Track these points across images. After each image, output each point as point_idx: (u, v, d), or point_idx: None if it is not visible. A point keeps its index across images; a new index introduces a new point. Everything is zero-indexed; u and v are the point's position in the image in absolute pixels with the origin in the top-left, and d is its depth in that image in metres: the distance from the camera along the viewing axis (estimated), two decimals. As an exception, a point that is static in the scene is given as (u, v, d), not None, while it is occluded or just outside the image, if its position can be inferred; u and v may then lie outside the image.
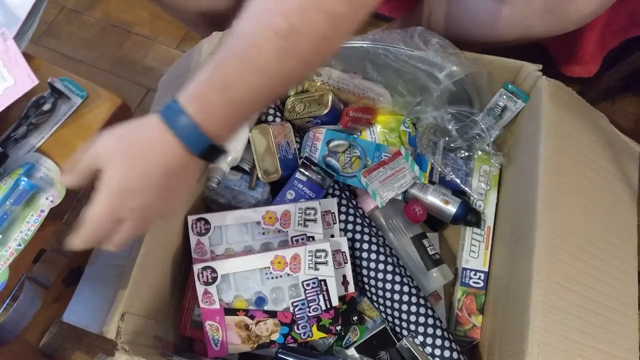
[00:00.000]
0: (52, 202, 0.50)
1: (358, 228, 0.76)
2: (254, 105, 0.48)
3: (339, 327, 0.71)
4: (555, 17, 0.71)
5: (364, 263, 0.75)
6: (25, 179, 0.50)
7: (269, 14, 0.43)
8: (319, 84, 0.81)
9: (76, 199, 1.01)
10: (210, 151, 0.46)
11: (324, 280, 0.71)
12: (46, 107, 0.53)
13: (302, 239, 0.74)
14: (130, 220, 0.47)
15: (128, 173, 0.45)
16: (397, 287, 0.73)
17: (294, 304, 0.71)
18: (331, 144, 0.80)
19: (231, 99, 0.45)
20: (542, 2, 0.70)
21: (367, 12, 0.46)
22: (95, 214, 0.46)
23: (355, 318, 0.75)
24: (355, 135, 0.83)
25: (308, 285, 0.71)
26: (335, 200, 0.77)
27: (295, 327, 0.71)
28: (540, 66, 0.72)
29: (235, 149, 0.77)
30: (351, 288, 0.74)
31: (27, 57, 0.55)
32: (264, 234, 0.75)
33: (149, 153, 0.45)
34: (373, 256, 0.75)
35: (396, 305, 0.73)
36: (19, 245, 0.49)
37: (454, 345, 0.71)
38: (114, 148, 0.45)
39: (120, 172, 0.44)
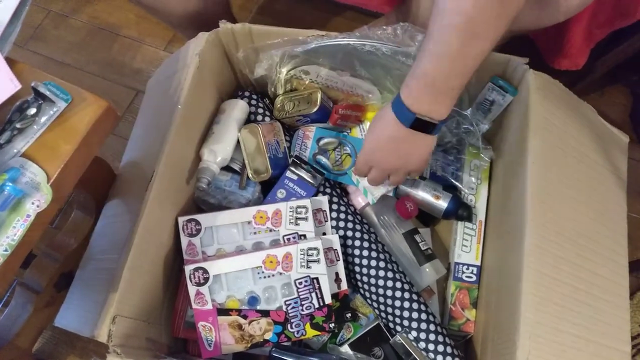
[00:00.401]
0: (38, 206, 0.50)
1: (350, 225, 0.77)
2: (452, 85, 0.59)
3: (333, 324, 0.71)
4: (544, 9, 0.71)
5: (357, 260, 0.75)
6: (11, 184, 0.49)
7: (447, 14, 0.54)
8: (307, 82, 0.81)
9: (66, 204, 1.01)
10: (419, 123, 0.62)
11: (317, 278, 0.71)
12: (30, 111, 0.53)
13: (294, 238, 0.74)
14: (377, 169, 0.71)
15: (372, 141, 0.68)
16: (389, 283, 0.73)
17: (287, 303, 0.71)
18: (321, 142, 0.80)
19: (430, 84, 0.59)
20: None
21: None
22: (357, 162, 0.73)
23: (348, 315, 0.75)
24: (345, 133, 0.83)
25: (300, 283, 0.70)
26: (326, 198, 0.77)
27: (289, 325, 0.71)
28: (527, 59, 0.72)
29: (224, 150, 0.76)
30: (344, 285, 0.74)
31: (10, 61, 0.55)
32: (255, 233, 0.74)
33: (381, 129, 0.66)
34: (365, 253, 0.75)
35: (389, 302, 0.73)
36: (6, 250, 0.48)
37: (447, 339, 0.71)
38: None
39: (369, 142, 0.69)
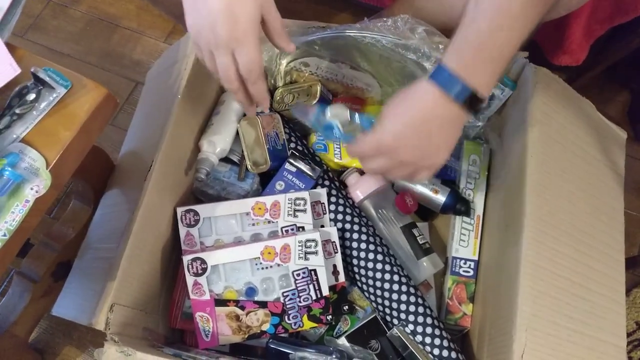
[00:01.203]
0: (37, 192, 0.50)
1: (348, 218, 0.77)
2: (505, 54, 0.53)
3: (330, 316, 0.71)
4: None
5: (354, 253, 0.75)
6: (10, 169, 0.49)
7: None
8: (307, 74, 0.81)
9: (64, 194, 1.00)
10: (472, 99, 0.53)
11: (314, 270, 0.71)
12: (30, 97, 0.53)
13: (292, 230, 0.74)
14: (390, 159, 0.58)
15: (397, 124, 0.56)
16: (387, 277, 0.73)
17: (285, 294, 0.71)
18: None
19: (485, 49, 0.52)
20: None
21: None
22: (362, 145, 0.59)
23: (346, 308, 0.75)
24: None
25: (298, 275, 0.71)
26: (325, 190, 0.77)
27: (286, 317, 0.71)
28: (527, 53, 0.72)
29: (224, 141, 0.76)
30: (342, 278, 0.74)
31: (10, 47, 0.55)
32: (253, 224, 0.74)
33: (415, 108, 0.55)
34: (363, 246, 0.75)
35: (386, 295, 0.73)
36: (4, 235, 0.48)
37: (444, 333, 0.72)
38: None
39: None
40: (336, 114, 0.65)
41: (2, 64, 0.51)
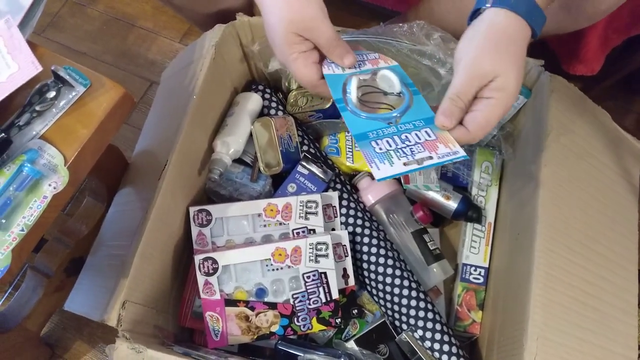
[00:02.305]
0: (55, 188, 0.51)
1: (359, 222, 0.77)
2: None
3: (339, 319, 0.72)
4: (570, 13, 0.70)
5: (365, 257, 0.75)
6: (29, 165, 0.50)
7: None
8: (321, 77, 0.81)
9: (78, 191, 1.01)
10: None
11: (325, 273, 0.71)
12: (50, 94, 0.53)
13: (303, 232, 0.74)
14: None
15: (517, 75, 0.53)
16: (397, 282, 0.73)
17: (294, 296, 0.71)
18: (381, 74, 0.63)
19: None
20: None
21: None
22: (498, 115, 0.54)
23: (355, 311, 0.75)
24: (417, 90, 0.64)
25: (308, 277, 0.71)
26: (336, 194, 0.77)
27: (295, 319, 0.71)
28: (543, 62, 0.72)
29: (237, 142, 0.77)
30: (351, 281, 0.74)
31: (31, 45, 0.55)
32: (265, 226, 0.75)
33: (522, 50, 0.54)
34: (373, 250, 0.75)
35: (396, 299, 0.73)
36: (22, 230, 0.49)
37: (453, 339, 0.71)
38: (499, 62, 0.52)
39: (514, 75, 0.53)
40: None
41: (25, 62, 0.52)
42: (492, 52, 0.52)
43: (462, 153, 0.53)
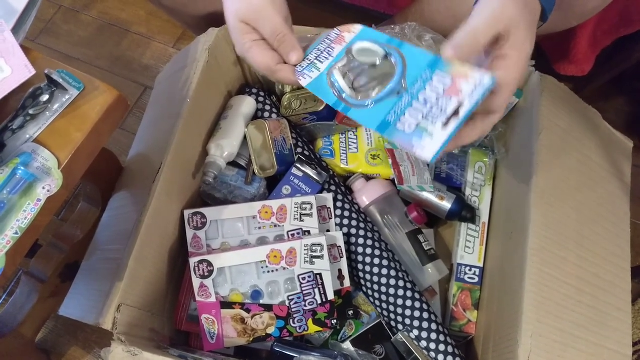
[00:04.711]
0: (48, 191, 0.51)
1: (354, 223, 0.77)
2: None
3: (335, 321, 0.72)
4: (561, 12, 0.71)
5: (360, 258, 0.76)
6: (22, 168, 0.50)
7: None
8: (315, 80, 0.81)
9: (72, 196, 1.01)
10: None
11: (320, 274, 0.71)
12: (43, 98, 0.53)
13: (298, 234, 0.74)
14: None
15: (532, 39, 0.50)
16: (392, 282, 0.74)
17: (290, 298, 0.71)
18: (356, 49, 0.54)
19: None
20: None
21: None
22: (515, 78, 0.48)
23: (351, 312, 0.75)
24: (402, 41, 0.55)
25: (304, 279, 0.71)
26: (331, 195, 0.78)
27: (291, 320, 0.71)
28: (534, 62, 0.72)
29: (231, 145, 0.77)
30: (347, 282, 0.74)
31: (24, 49, 0.56)
32: (260, 228, 0.75)
33: (534, 17, 0.51)
34: (369, 251, 0.75)
35: (391, 300, 0.73)
36: (16, 233, 0.49)
37: (449, 339, 0.72)
38: (521, 16, 0.48)
39: (530, 38, 0.49)
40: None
41: (18, 65, 0.52)
42: (518, 3, 0.48)
43: (487, 80, 0.46)
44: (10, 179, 0.49)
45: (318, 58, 0.55)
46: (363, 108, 0.50)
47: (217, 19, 0.79)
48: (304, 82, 0.54)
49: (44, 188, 0.51)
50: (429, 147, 0.44)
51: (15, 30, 0.56)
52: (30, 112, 0.53)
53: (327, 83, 0.53)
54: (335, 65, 0.53)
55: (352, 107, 0.51)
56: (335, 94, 0.52)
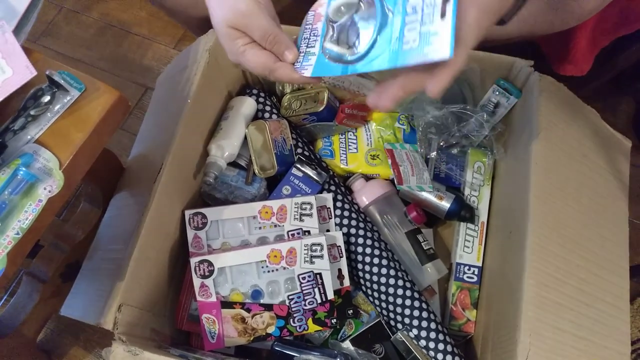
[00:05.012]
0: (50, 192, 0.51)
1: (353, 223, 0.77)
2: None
3: (335, 320, 0.72)
4: (559, 12, 0.71)
5: (359, 257, 0.76)
6: (24, 169, 0.50)
7: None
8: (314, 80, 0.82)
9: (73, 196, 1.02)
10: None
11: (320, 274, 0.71)
12: (45, 99, 0.54)
13: (298, 233, 0.75)
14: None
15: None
16: (391, 281, 0.74)
17: (290, 297, 0.71)
18: (332, 7, 0.53)
19: None
20: None
21: None
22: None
23: (350, 312, 0.76)
24: None
25: (304, 278, 0.71)
26: (330, 195, 0.78)
27: (291, 320, 0.71)
28: (532, 62, 0.73)
29: (232, 145, 0.78)
30: (346, 282, 0.75)
31: (26, 50, 0.56)
32: (260, 228, 0.75)
33: None
34: (368, 251, 0.76)
35: (391, 299, 0.74)
36: (17, 234, 0.49)
37: (448, 338, 0.72)
38: None
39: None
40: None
41: (19, 66, 0.52)
42: None
43: None
44: (11, 180, 0.50)
45: (308, 45, 0.55)
46: (367, 56, 0.48)
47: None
48: (307, 73, 0.53)
49: (45, 189, 0.51)
50: (441, 45, 0.42)
51: (16, 31, 0.56)
52: (32, 113, 0.53)
53: (327, 60, 0.52)
54: (325, 40, 0.52)
55: (358, 63, 0.49)
56: (339, 62, 0.51)
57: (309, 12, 0.57)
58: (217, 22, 0.54)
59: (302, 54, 0.54)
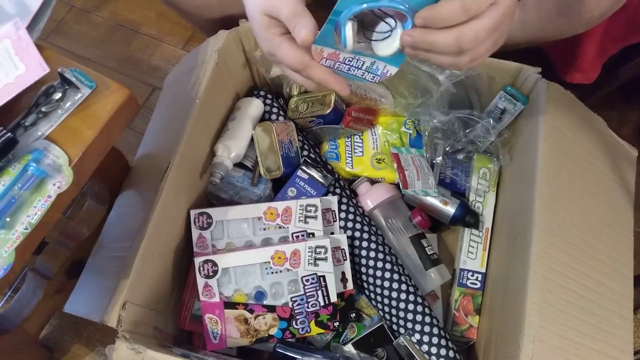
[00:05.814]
0: (59, 188, 0.51)
1: (358, 226, 0.77)
2: None
3: (337, 323, 0.72)
4: (567, 19, 0.72)
5: (363, 261, 0.76)
6: (34, 164, 0.51)
7: None
8: (322, 84, 0.82)
9: (80, 194, 1.02)
10: None
11: (323, 277, 0.71)
12: (56, 96, 0.54)
13: (303, 235, 0.75)
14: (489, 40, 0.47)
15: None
16: (395, 286, 0.74)
17: (293, 299, 0.71)
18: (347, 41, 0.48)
19: None
20: (554, 4, 0.71)
21: None
22: (484, 28, 0.45)
23: (353, 315, 0.76)
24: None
25: (307, 280, 0.71)
26: (335, 198, 0.78)
27: (294, 322, 0.71)
28: (540, 69, 0.73)
29: (238, 146, 0.78)
30: (350, 285, 0.75)
31: (38, 48, 0.56)
32: (265, 229, 0.76)
33: None
34: (372, 254, 0.76)
35: (394, 304, 0.74)
36: (26, 229, 0.50)
37: (450, 344, 0.72)
38: None
39: None
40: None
41: (32, 63, 0.53)
42: None
43: None
44: (21, 175, 0.50)
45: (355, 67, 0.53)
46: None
47: (230, 23, 0.80)
48: (341, 69, 0.51)
49: (54, 184, 0.51)
50: None
51: (30, 28, 0.57)
52: (43, 109, 0.54)
53: (357, 48, 0.49)
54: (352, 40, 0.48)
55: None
56: (368, 45, 0.49)
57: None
58: (252, 8, 0.52)
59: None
